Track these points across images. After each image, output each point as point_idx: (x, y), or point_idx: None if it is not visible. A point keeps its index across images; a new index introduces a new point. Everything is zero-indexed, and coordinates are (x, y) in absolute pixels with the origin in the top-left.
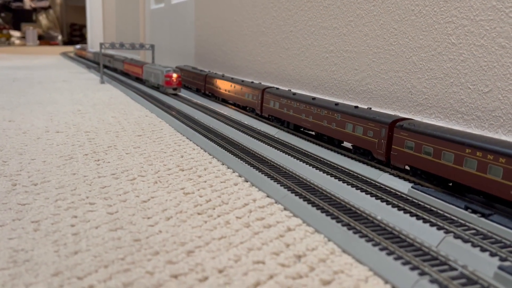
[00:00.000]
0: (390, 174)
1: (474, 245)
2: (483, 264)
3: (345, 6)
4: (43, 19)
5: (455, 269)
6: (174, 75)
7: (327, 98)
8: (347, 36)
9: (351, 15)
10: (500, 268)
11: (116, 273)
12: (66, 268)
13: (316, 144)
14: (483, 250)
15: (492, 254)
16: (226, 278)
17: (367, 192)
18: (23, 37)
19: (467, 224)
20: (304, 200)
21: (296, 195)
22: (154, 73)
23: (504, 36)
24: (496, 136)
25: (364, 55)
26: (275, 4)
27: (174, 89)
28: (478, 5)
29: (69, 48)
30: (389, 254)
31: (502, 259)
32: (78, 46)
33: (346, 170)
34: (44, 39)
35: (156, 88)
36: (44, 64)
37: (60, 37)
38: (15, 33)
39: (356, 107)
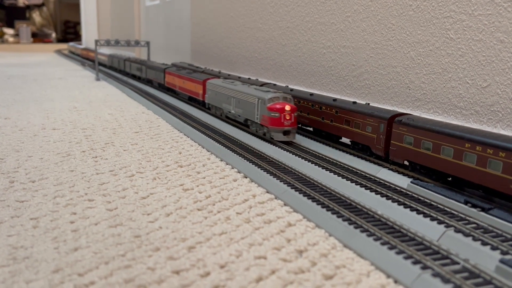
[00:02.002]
0: (389, 169)
1: (475, 239)
2: (485, 258)
3: (342, 1)
4: (36, 16)
5: (457, 263)
6: (287, 108)
7: (325, 94)
8: (345, 31)
9: (349, 11)
10: (502, 261)
11: (117, 269)
12: (66, 264)
13: (315, 140)
14: (484, 244)
15: (493, 248)
16: (228, 274)
17: (366, 187)
18: (16, 35)
19: (467, 218)
20: (304, 196)
21: (296, 191)
22: (239, 99)
23: (503, 31)
24: (495, 131)
25: (362, 50)
26: (272, 0)
27: (286, 132)
28: (476, 0)
29: (63, 46)
30: (390, 248)
31: (503, 253)
32: (80, 46)
33: (345, 166)
34: (38, 37)
35: (243, 124)
36: (38, 61)
37: (54, 35)
38: (9, 31)
39: (354, 102)
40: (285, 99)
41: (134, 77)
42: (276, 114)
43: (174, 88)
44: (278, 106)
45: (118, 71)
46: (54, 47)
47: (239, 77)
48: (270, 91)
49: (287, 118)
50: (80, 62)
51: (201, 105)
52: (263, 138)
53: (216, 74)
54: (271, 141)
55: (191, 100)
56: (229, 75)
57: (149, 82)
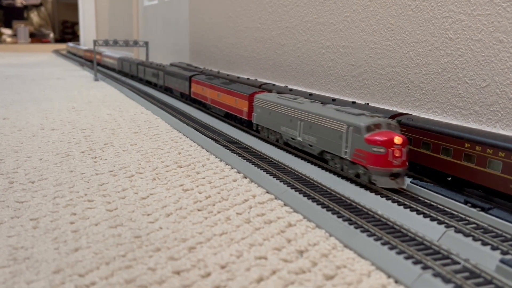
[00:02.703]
0: None
1: (475, 239)
2: (485, 258)
3: (341, 1)
4: (34, 16)
5: (458, 263)
6: (397, 140)
7: (324, 94)
8: (344, 31)
9: (348, 11)
10: (502, 261)
11: (117, 269)
12: (67, 265)
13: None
14: (484, 244)
15: (494, 248)
16: (229, 274)
17: (366, 188)
18: (14, 35)
19: (467, 218)
20: (304, 196)
21: (296, 191)
22: (310, 123)
23: (502, 31)
24: (494, 131)
25: (361, 50)
26: (271, 0)
27: (395, 175)
28: (475, 0)
29: (62, 46)
30: (391, 248)
31: (504, 253)
32: (83, 47)
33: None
34: (36, 37)
35: (316, 157)
36: (36, 61)
37: (52, 35)
38: (6, 31)
39: (354, 102)
40: (389, 127)
41: (149, 84)
42: (381, 150)
43: (204, 101)
44: (382, 137)
45: (130, 77)
46: (52, 47)
47: (238, 77)
48: (365, 114)
49: (397, 155)
50: (82, 64)
51: (245, 125)
52: (264, 138)
53: (269, 88)
54: (271, 141)
55: (229, 118)
56: (228, 75)
57: (167, 90)
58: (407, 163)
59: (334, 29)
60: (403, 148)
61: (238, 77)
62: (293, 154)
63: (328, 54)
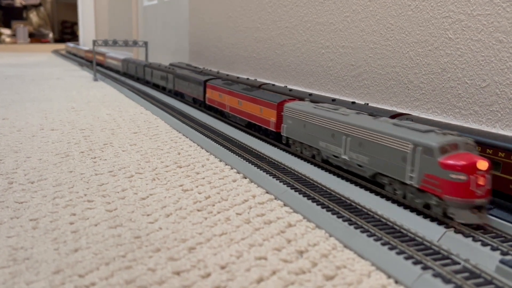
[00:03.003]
0: None
1: (475, 240)
2: (485, 258)
3: (341, 1)
4: (33, 16)
5: (458, 263)
6: (481, 165)
7: (323, 94)
8: (343, 31)
9: (347, 11)
10: (502, 262)
11: (117, 270)
12: (67, 265)
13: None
14: (484, 244)
15: (493, 248)
16: (229, 274)
17: (366, 188)
18: (13, 35)
19: None
20: (304, 196)
21: (295, 191)
22: (360, 140)
23: (502, 31)
24: (494, 131)
25: (361, 50)
26: (270, 0)
27: (477, 208)
28: (475, 0)
29: (61, 46)
30: (391, 249)
31: (503, 253)
32: (84, 47)
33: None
34: (35, 37)
35: (367, 180)
36: (36, 61)
37: (51, 35)
38: (6, 31)
39: (353, 102)
40: (467, 147)
41: (156, 87)
42: (462, 177)
43: (221, 109)
44: (462, 161)
45: (136, 80)
46: (51, 47)
47: (238, 77)
48: (434, 131)
49: (480, 183)
50: (81, 64)
51: (272, 137)
52: (262, 138)
53: (299, 96)
54: (270, 141)
55: (251, 128)
56: (228, 75)
57: (177, 95)
58: (489, 194)
59: (334, 29)
60: (487, 175)
61: (238, 77)
62: (292, 154)
63: (327, 54)
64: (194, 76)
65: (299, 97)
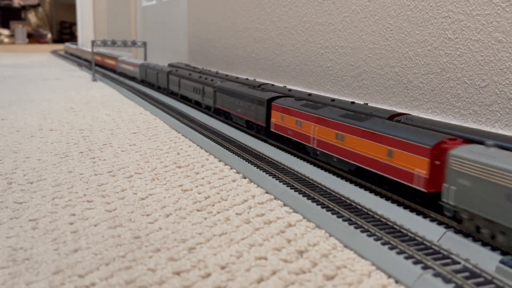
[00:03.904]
0: None
1: (475, 240)
2: (485, 258)
3: (340, 1)
4: (32, 17)
5: (458, 263)
6: None
7: (322, 94)
8: (343, 31)
9: (346, 11)
10: (502, 262)
11: (117, 270)
12: (66, 266)
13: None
14: (484, 244)
15: (493, 249)
16: (229, 274)
17: (365, 188)
18: (12, 35)
19: None
20: (303, 196)
21: (295, 191)
22: None
23: (501, 31)
24: (493, 130)
25: (360, 50)
26: (269, 0)
27: None
28: (474, 0)
29: (59, 46)
30: (391, 248)
31: (504, 253)
32: (87, 48)
33: None
34: (34, 37)
35: None
36: (34, 62)
37: (49, 35)
38: (4, 31)
39: (353, 102)
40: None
41: (186, 100)
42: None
43: (303, 142)
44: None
45: (157, 89)
46: (50, 47)
47: (237, 77)
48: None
49: None
50: (81, 65)
51: (419, 200)
52: (261, 138)
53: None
54: (269, 140)
55: (363, 177)
56: (227, 75)
57: (219, 114)
58: None
59: (333, 29)
60: None
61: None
62: (292, 154)
63: (327, 54)
64: (251, 92)
65: (465, 136)
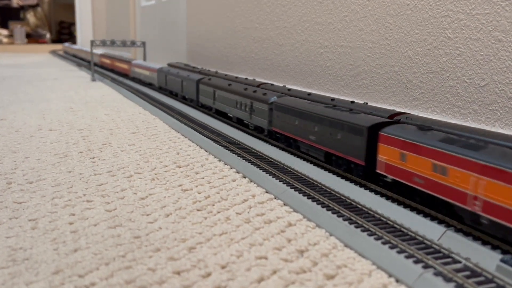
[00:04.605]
0: None
1: (475, 239)
2: (485, 257)
3: (340, 1)
4: (31, 17)
5: (459, 262)
6: None
7: (322, 93)
8: (342, 31)
9: (346, 10)
10: (502, 260)
11: (117, 270)
12: (66, 266)
13: None
14: (484, 243)
15: (494, 247)
16: (230, 274)
17: (366, 187)
18: (11, 36)
19: None
20: (303, 196)
21: (295, 191)
22: None
23: (501, 30)
24: (493, 129)
25: (359, 50)
26: (269, 0)
27: None
28: None
29: (58, 46)
30: (391, 248)
31: (504, 252)
32: (99, 51)
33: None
34: (32, 37)
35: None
36: (33, 62)
37: (48, 35)
38: (3, 31)
39: (352, 102)
40: None
41: (221, 115)
42: None
43: (452, 201)
44: None
45: (181, 99)
46: (48, 47)
47: (236, 77)
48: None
49: None
50: (80, 65)
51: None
52: (261, 137)
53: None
54: (269, 140)
55: None
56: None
57: (276, 138)
58: None
59: (333, 28)
60: None
61: (246, 78)
62: (292, 153)
63: (326, 54)
64: (337, 115)
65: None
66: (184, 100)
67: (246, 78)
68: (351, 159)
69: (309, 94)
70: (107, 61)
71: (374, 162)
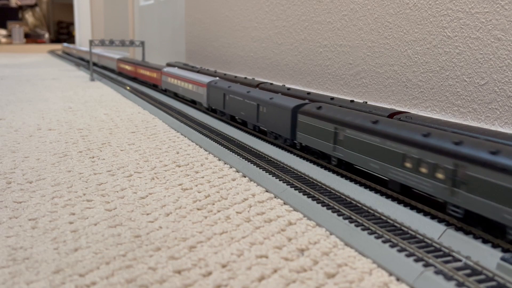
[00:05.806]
0: None
1: (475, 237)
2: (486, 255)
3: (339, 0)
4: (29, 17)
5: (459, 260)
6: None
7: (321, 93)
8: (341, 30)
9: (345, 9)
10: (503, 259)
11: (118, 269)
12: (67, 265)
13: None
14: (484, 241)
15: (494, 246)
16: (230, 273)
17: (365, 186)
18: (9, 35)
19: None
20: (303, 194)
21: (295, 190)
22: None
23: (500, 29)
24: (493, 128)
25: (359, 49)
26: None
27: None
28: None
29: (57, 46)
30: (392, 246)
31: (504, 250)
32: (107, 53)
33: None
34: (31, 37)
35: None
36: (32, 62)
37: (47, 35)
38: (1, 31)
39: (352, 101)
40: None
41: (305, 151)
42: None
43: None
44: None
45: (253, 129)
46: (47, 47)
47: (235, 76)
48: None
49: None
50: (77, 64)
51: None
52: (261, 137)
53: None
54: (268, 140)
55: None
56: (226, 74)
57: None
58: None
59: (332, 28)
60: None
61: (245, 78)
62: (292, 152)
63: (325, 53)
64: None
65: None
66: (254, 130)
67: (245, 78)
68: None
69: (308, 93)
70: (128, 67)
71: None
